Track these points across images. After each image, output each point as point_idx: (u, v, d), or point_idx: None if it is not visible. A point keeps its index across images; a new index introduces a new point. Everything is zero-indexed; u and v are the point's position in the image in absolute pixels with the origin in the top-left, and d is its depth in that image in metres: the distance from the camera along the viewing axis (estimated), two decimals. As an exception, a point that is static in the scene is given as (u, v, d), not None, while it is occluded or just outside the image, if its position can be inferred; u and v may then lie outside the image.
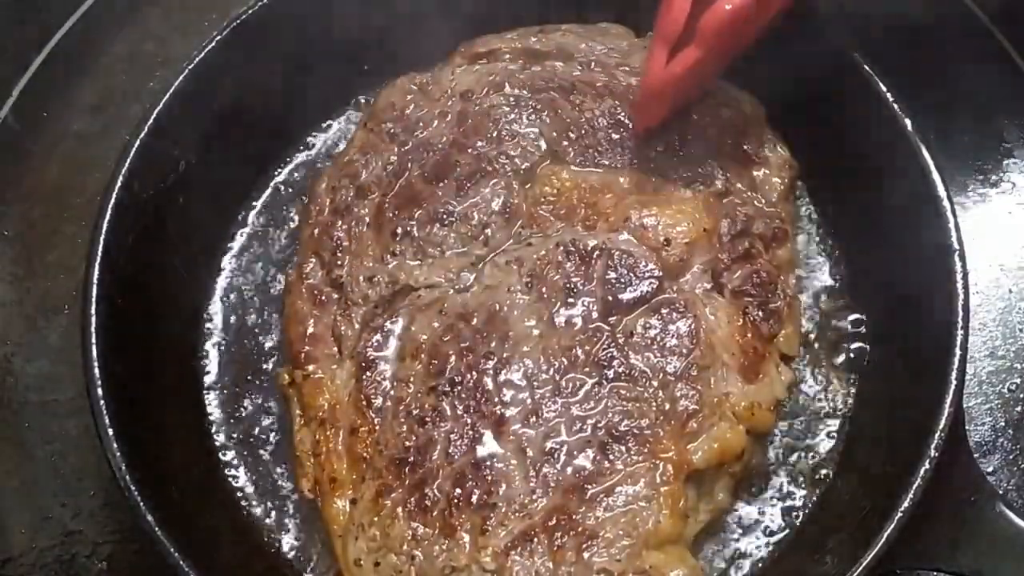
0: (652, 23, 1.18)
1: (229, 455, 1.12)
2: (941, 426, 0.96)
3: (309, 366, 1.08)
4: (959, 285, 1.01)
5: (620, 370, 1.01)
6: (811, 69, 1.15)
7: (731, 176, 1.13)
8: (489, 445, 0.99)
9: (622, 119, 1.13)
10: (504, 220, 1.10)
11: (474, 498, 0.97)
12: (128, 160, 1.07)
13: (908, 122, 1.08)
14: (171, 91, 1.11)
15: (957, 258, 1.02)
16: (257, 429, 1.13)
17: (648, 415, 1.00)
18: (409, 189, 1.12)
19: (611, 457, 0.98)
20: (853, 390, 1.14)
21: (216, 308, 1.19)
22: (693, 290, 1.06)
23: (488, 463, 0.99)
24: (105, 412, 0.98)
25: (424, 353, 1.04)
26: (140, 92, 1.32)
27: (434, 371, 1.03)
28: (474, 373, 1.02)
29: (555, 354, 1.02)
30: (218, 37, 1.14)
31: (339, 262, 1.11)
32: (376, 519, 0.99)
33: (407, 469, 0.99)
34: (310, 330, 1.10)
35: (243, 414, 1.14)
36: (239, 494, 1.11)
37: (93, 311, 1.01)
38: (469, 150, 1.13)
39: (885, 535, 0.93)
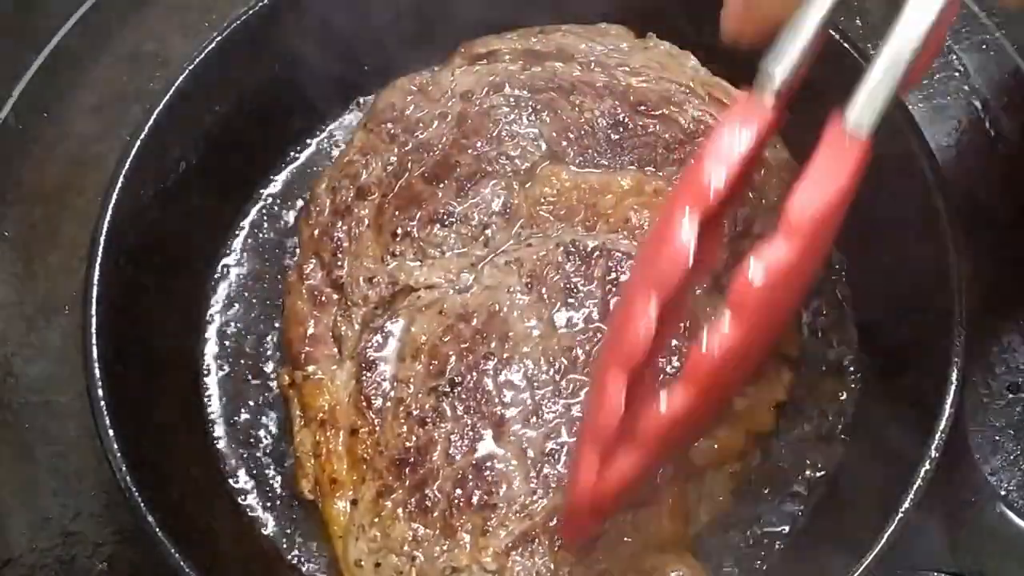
0: (652, 23, 1.19)
1: (229, 456, 1.12)
2: (941, 427, 0.96)
3: (309, 367, 1.08)
4: (959, 285, 1.01)
5: (620, 370, 1.01)
6: (811, 69, 1.15)
7: (731, 176, 1.13)
8: (489, 446, 1.00)
9: (622, 119, 1.13)
10: (504, 221, 1.10)
11: (475, 499, 0.97)
12: (128, 160, 1.07)
13: (908, 122, 1.08)
14: (171, 91, 1.11)
15: (957, 258, 1.02)
16: (257, 430, 1.13)
17: (648, 415, 1.00)
18: (409, 190, 1.12)
19: (611, 458, 0.98)
20: (853, 390, 1.13)
21: (216, 309, 1.19)
22: (693, 290, 1.06)
23: (488, 464, 0.99)
24: (105, 412, 0.97)
25: (424, 354, 1.04)
26: (140, 92, 1.32)
27: (434, 372, 1.03)
28: (474, 374, 1.02)
29: (555, 354, 1.02)
30: (218, 37, 1.14)
31: (339, 263, 1.11)
32: (377, 520, 0.99)
33: (407, 470, 0.99)
34: (310, 331, 1.10)
35: (243, 415, 1.14)
36: (239, 494, 1.11)
37: (93, 311, 1.01)
38: (469, 151, 1.13)
39: (885, 535, 0.93)
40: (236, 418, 1.14)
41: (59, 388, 1.18)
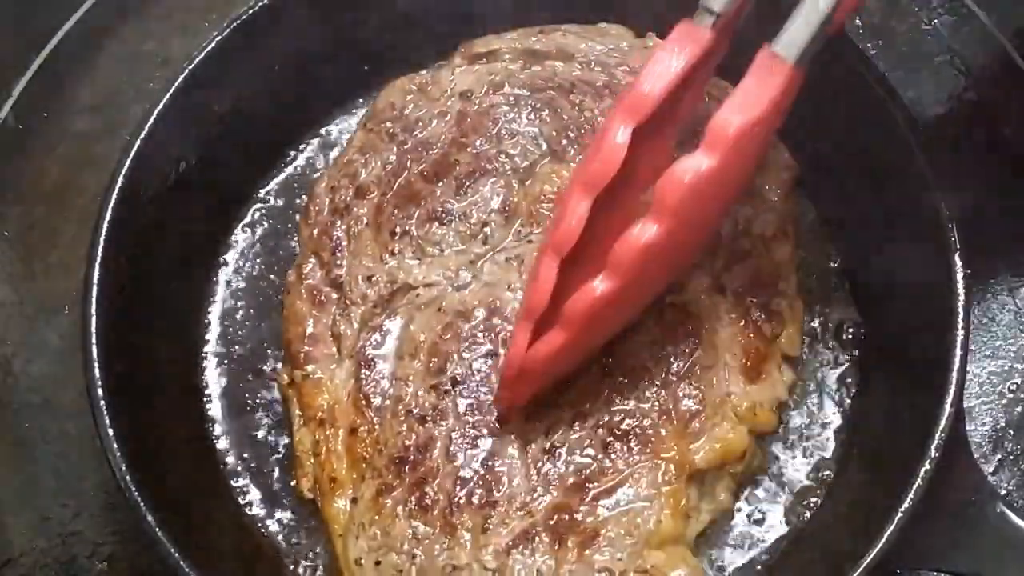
0: (652, 23, 1.19)
1: (229, 455, 1.12)
2: (941, 426, 0.96)
3: (308, 366, 1.08)
4: (959, 285, 1.01)
5: (622, 370, 1.01)
6: (811, 70, 1.15)
7: (731, 176, 1.13)
8: (490, 444, 0.99)
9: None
10: (504, 219, 1.10)
11: (475, 497, 0.97)
12: (128, 160, 1.07)
13: (908, 122, 1.08)
14: (171, 91, 1.11)
15: (957, 258, 1.02)
16: (257, 429, 1.13)
17: (650, 415, 1.00)
18: (408, 188, 1.12)
19: (613, 456, 0.98)
20: (854, 390, 1.13)
21: (216, 308, 1.19)
22: (694, 291, 1.06)
23: (489, 462, 0.99)
24: (105, 412, 0.98)
25: (423, 352, 1.04)
26: (140, 92, 1.32)
27: (434, 369, 1.03)
28: (475, 371, 1.02)
29: (555, 354, 1.02)
30: (218, 37, 1.14)
31: (338, 262, 1.11)
32: (376, 518, 0.99)
33: (407, 468, 0.99)
34: (309, 330, 1.10)
35: (243, 414, 1.14)
36: (239, 494, 1.11)
37: (93, 311, 1.01)
38: (469, 149, 1.13)
39: (885, 535, 0.93)
40: (236, 418, 1.14)
41: (59, 388, 1.18)
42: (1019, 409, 1.16)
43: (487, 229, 1.10)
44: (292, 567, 1.07)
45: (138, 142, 1.08)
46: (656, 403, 1.00)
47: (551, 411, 1.00)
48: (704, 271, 1.07)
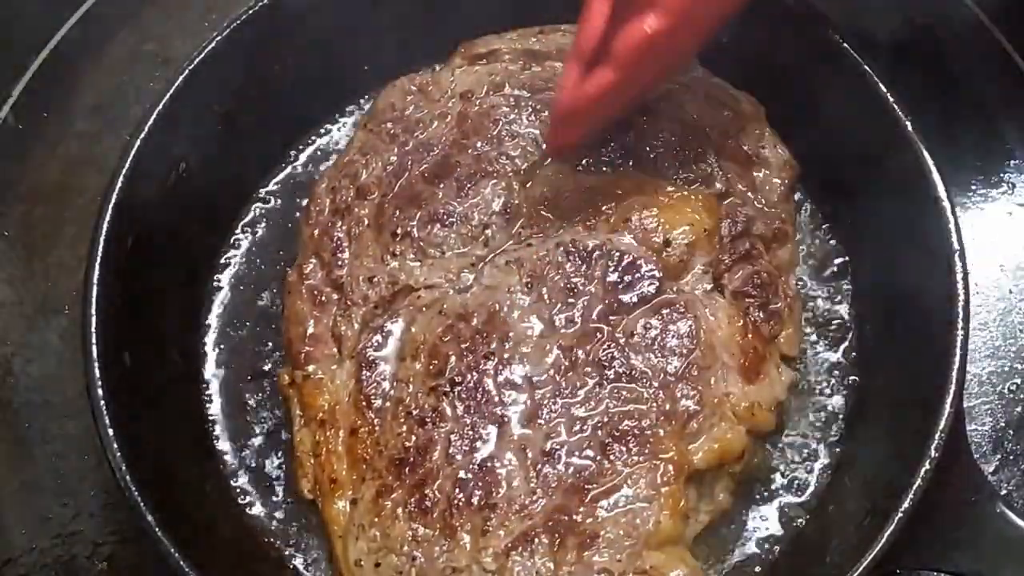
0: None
1: (229, 455, 1.12)
2: (941, 426, 0.96)
3: (309, 366, 1.08)
4: (959, 285, 1.01)
5: (620, 370, 1.01)
6: (811, 69, 1.15)
7: (731, 177, 1.13)
8: (489, 446, 0.99)
9: (622, 118, 1.13)
10: (504, 220, 1.10)
11: (474, 499, 0.97)
12: (128, 160, 1.07)
13: (908, 122, 1.08)
14: (171, 91, 1.11)
15: (957, 258, 1.02)
16: (257, 430, 1.13)
17: (649, 415, 1.00)
18: (409, 189, 1.12)
19: (611, 457, 0.98)
20: (853, 391, 1.13)
21: (216, 309, 1.19)
22: (693, 291, 1.06)
23: (488, 464, 0.99)
24: (105, 412, 0.97)
25: (424, 353, 1.04)
26: (140, 92, 1.32)
27: (434, 371, 1.03)
28: (474, 373, 1.02)
29: (555, 354, 1.02)
30: (218, 37, 1.14)
31: (339, 262, 1.11)
32: (376, 520, 0.99)
33: (407, 469, 0.99)
34: (310, 330, 1.10)
35: (243, 415, 1.14)
36: (239, 494, 1.11)
37: (93, 311, 1.01)
38: (469, 150, 1.13)
39: (885, 535, 0.93)
40: (236, 418, 1.14)
41: (59, 388, 1.18)
42: (1019, 409, 1.16)
43: (488, 231, 1.10)
44: (292, 568, 1.07)
45: (138, 142, 1.08)
46: (654, 404, 1.00)
47: (551, 411, 1.01)
48: (703, 271, 1.07)
